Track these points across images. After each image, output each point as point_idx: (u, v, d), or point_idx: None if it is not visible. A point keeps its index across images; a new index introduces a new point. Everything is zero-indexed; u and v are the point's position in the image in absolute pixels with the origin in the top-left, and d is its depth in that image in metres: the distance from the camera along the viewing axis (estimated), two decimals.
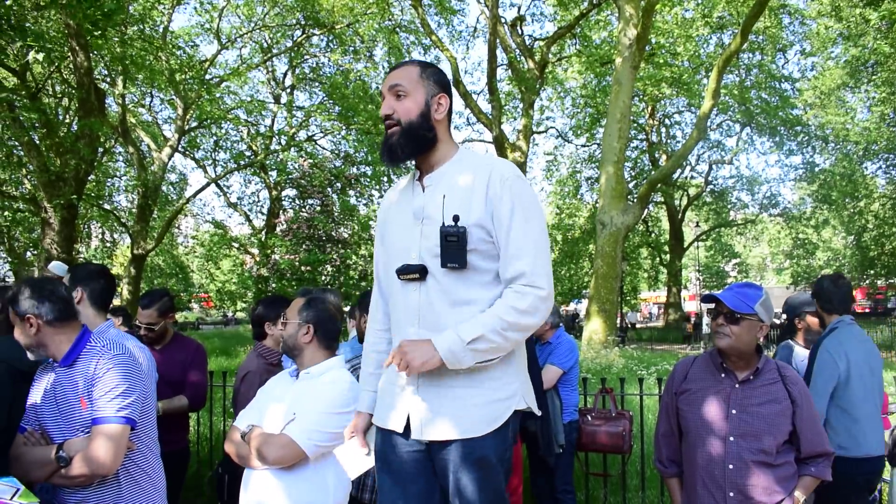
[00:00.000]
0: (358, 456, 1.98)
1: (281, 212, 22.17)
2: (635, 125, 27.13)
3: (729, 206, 32.27)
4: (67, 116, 17.53)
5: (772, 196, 31.20)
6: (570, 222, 30.01)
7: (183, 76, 16.28)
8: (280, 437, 2.12)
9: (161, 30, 16.92)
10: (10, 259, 24.05)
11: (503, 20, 21.18)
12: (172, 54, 16.26)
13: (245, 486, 2.22)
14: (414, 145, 1.84)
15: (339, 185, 18.56)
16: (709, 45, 24.70)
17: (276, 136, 22.66)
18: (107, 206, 21.33)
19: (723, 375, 2.34)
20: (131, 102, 19.82)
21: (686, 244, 32.84)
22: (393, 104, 1.85)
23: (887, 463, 3.20)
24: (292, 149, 20.07)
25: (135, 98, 20.38)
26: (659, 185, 22.12)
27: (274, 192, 23.48)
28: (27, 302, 2.11)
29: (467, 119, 25.35)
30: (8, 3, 8.53)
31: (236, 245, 24.52)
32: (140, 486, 2.20)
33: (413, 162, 1.93)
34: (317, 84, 23.63)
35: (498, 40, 20.01)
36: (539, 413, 1.94)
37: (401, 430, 1.82)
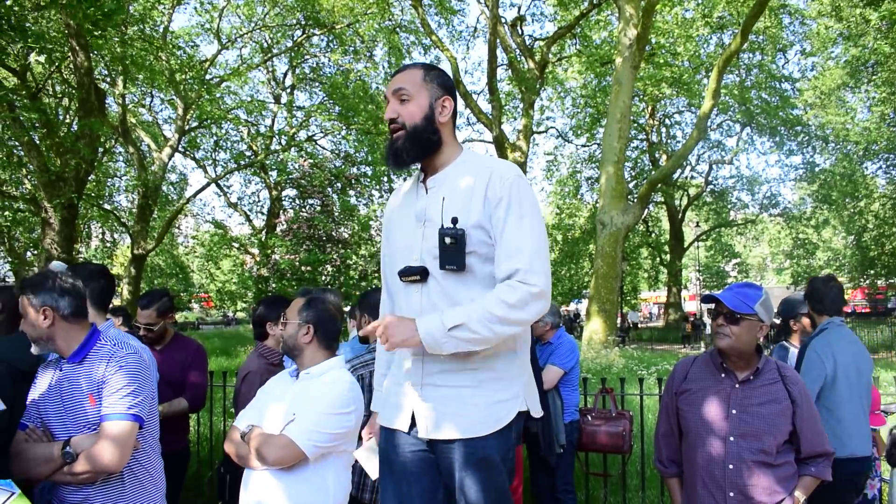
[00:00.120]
0: (377, 456, 1.99)
1: (281, 212, 22.16)
2: (635, 125, 27.13)
3: (729, 206, 32.27)
4: (67, 116, 17.54)
5: (772, 196, 31.23)
6: (571, 222, 30.02)
7: (183, 76, 16.28)
8: (279, 438, 2.12)
9: (161, 30, 16.93)
10: (10, 259, 24.04)
11: (503, 20, 21.18)
12: (172, 54, 16.27)
13: (245, 485, 2.22)
14: (419, 149, 1.84)
15: (339, 185, 18.55)
16: (709, 45, 24.72)
17: (277, 136, 22.66)
18: (107, 206, 21.34)
19: (723, 375, 2.34)
20: (131, 102, 19.83)
21: (686, 244, 32.84)
22: (397, 108, 1.85)
23: (887, 463, 3.21)
24: (292, 149, 20.07)
25: (135, 98, 20.39)
26: (659, 185, 22.12)
27: (274, 192, 23.47)
28: (46, 294, 2.10)
29: (467, 119, 25.37)
30: (8, 3, 8.53)
31: (236, 245, 24.51)
32: (143, 486, 2.20)
33: (418, 163, 1.94)
34: (317, 84, 23.64)
35: (498, 40, 20.01)
36: (542, 414, 1.94)
37: (406, 430, 1.82)
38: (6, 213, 18.33)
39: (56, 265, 2.31)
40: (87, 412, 2.08)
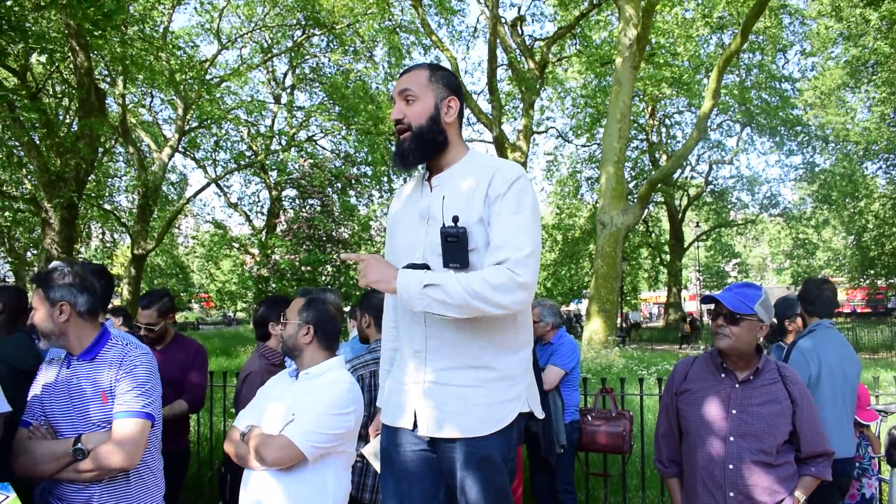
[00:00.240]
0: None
1: (281, 212, 22.15)
2: (635, 125, 27.12)
3: (729, 207, 32.26)
4: (67, 116, 17.54)
5: (772, 196, 31.23)
6: (571, 222, 30.00)
7: (183, 76, 16.28)
8: (278, 439, 2.12)
9: (161, 30, 16.92)
10: (10, 259, 24.05)
11: (503, 20, 21.18)
12: (172, 54, 16.26)
13: (244, 485, 2.22)
14: (425, 149, 1.85)
15: (339, 185, 18.55)
16: (709, 45, 24.71)
17: (277, 137, 22.66)
18: (107, 206, 21.33)
19: (723, 375, 2.34)
20: (131, 102, 19.83)
21: (686, 244, 32.84)
22: (403, 109, 1.86)
23: (886, 463, 3.21)
24: (292, 149, 20.08)
25: (135, 98, 20.40)
26: (659, 185, 22.12)
27: (274, 193, 23.47)
28: (65, 289, 2.11)
29: (468, 119, 25.34)
30: (8, 3, 8.53)
31: (236, 245, 24.50)
32: (146, 485, 2.21)
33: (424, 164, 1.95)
34: (317, 84, 23.64)
35: (498, 40, 20.02)
36: (542, 416, 1.95)
37: (409, 427, 1.83)
38: (6, 213, 18.34)
39: (57, 266, 2.31)
40: (99, 410, 2.08)
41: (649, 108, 28.14)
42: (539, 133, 26.44)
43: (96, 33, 9.63)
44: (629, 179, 27.40)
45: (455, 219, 1.76)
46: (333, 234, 17.37)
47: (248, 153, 22.39)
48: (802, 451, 2.26)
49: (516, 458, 1.95)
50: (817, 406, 2.83)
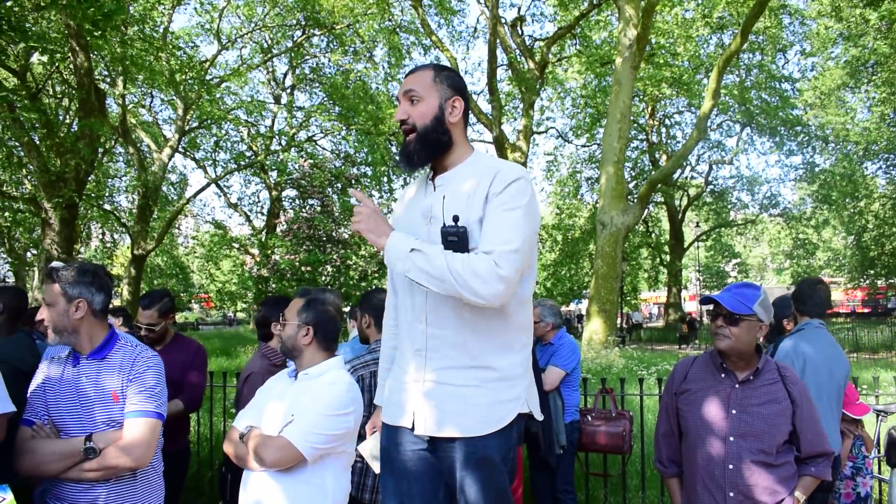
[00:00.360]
0: (379, 452, 1.99)
1: (281, 212, 22.16)
2: (635, 125, 27.12)
3: (729, 207, 32.26)
4: (67, 117, 17.55)
5: (772, 196, 31.23)
6: (571, 222, 30.00)
7: (183, 76, 16.28)
8: (277, 440, 2.11)
9: (161, 30, 16.93)
10: (10, 259, 24.05)
11: (503, 20, 21.19)
12: (172, 55, 16.26)
13: (244, 485, 2.22)
14: (429, 149, 1.85)
15: (339, 185, 18.54)
16: (709, 45, 24.72)
17: (277, 137, 22.67)
18: (107, 207, 21.33)
19: (723, 376, 2.34)
20: (131, 103, 19.84)
21: (686, 244, 32.84)
22: (407, 109, 1.86)
23: (886, 464, 3.21)
24: (292, 149, 20.08)
25: (135, 98, 20.40)
26: (659, 185, 22.12)
27: (274, 193, 23.47)
28: (83, 286, 2.13)
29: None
30: (8, 3, 8.53)
31: (236, 245, 24.51)
32: (151, 485, 2.23)
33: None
34: (317, 84, 23.65)
35: (498, 41, 20.02)
36: (541, 418, 1.95)
37: (408, 426, 1.83)
38: (6, 213, 18.34)
39: (56, 266, 2.31)
40: (108, 409, 2.09)
41: (649, 109, 28.14)
42: (539, 133, 26.45)
43: (96, 33, 9.61)
44: (629, 179, 27.40)
45: (455, 218, 1.77)
46: (333, 234, 17.36)
47: (248, 153, 22.41)
48: (802, 451, 2.26)
49: (516, 458, 1.95)
50: None
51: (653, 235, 33.60)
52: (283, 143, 21.75)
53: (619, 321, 26.28)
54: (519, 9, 23.20)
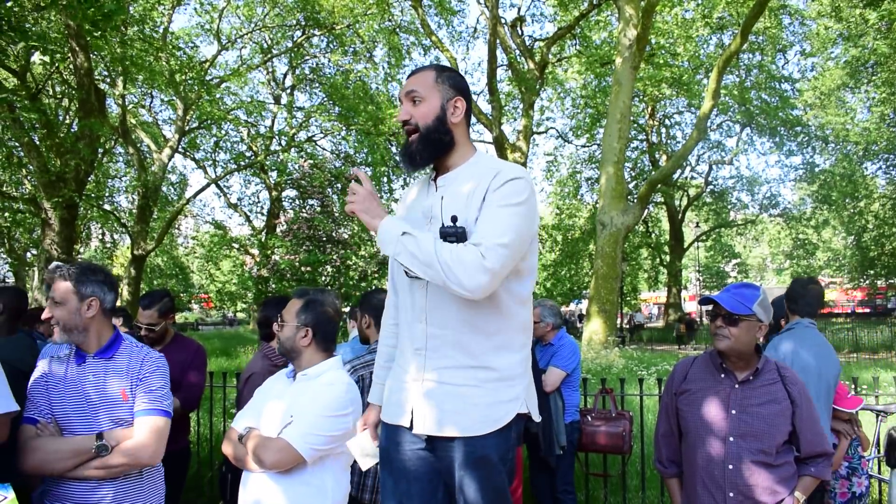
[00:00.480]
0: (369, 448, 1.99)
1: (281, 212, 22.17)
2: (635, 125, 27.12)
3: (729, 207, 32.26)
4: (67, 117, 17.55)
5: (772, 196, 31.24)
6: (570, 223, 30.00)
7: (183, 77, 16.28)
8: (277, 441, 2.11)
9: (161, 30, 16.93)
10: (10, 260, 24.05)
11: (503, 21, 21.19)
12: (172, 55, 16.26)
13: (243, 486, 2.22)
14: (431, 150, 1.86)
15: (339, 185, 18.54)
16: (709, 45, 24.72)
17: (276, 137, 22.66)
18: (107, 207, 21.32)
19: (722, 376, 2.34)
20: (131, 103, 19.83)
21: (686, 244, 32.84)
22: (409, 109, 1.87)
23: (886, 464, 3.21)
24: (292, 149, 20.06)
25: (135, 99, 20.40)
26: (659, 185, 22.12)
27: (274, 193, 23.47)
28: (96, 284, 2.16)
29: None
30: (8, 3, 8.53)
31: (236, 246, 24.51)
32: (155, 484, 2.26)
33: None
34: (317, 85, 23.64)
35: (498, 41, 20.02)
36: (539, 419, 1.95)
37: (407, 425, 1.83)
38: (6, 213, 18.34)
39: (87, 262, 2.32)
40: (116, 408, 2.11)
41: (649, 109, 28.14)
42: (539, 133, 26.45)
43: (96, 34, 9.62)
44: (629, 180, 27.40)
45: (454, 218, 1.77)
46: (333, 234, 17.36)
47: (247, 154, 22.40)
48: (802, 451, 2.26)
49: (515, 459, 1.95)
50: None
51: (653, 236, 33.61)
52: (283, 143, 21.75)
53: (621, 321, 26.38)
54: (519, 9, 23.22)
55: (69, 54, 11.71)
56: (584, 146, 29.56)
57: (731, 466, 2.23)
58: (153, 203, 18.04)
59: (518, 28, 22.18)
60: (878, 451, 3.96)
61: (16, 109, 11.65)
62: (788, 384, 2.28)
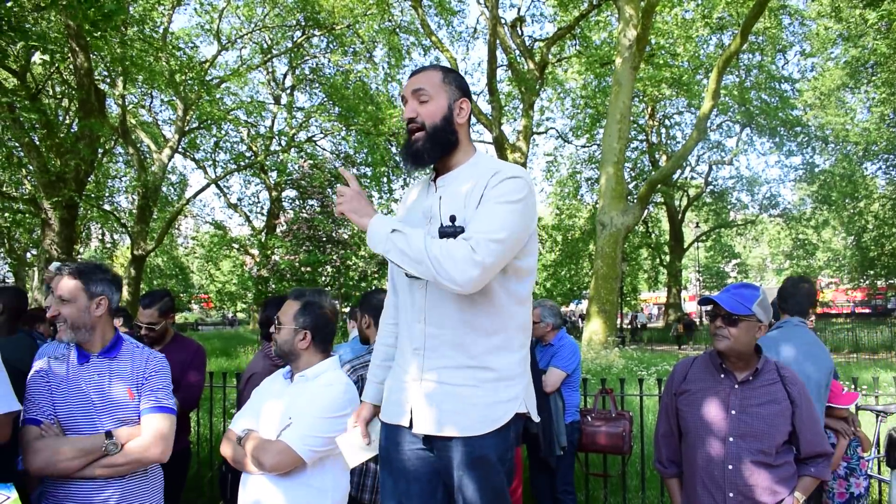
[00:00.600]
0: (358, 446, 1.98)
1: (281, 212, 22.18)
2: (635, 126, 27.13)
3: (729, 207, 32.28)
4: (67, 117, 17.55)
5: (772, 196, 31.26)
6: (570, 223, 30.01)
7: (183, 77, 16.28)
8: (276, 444, 2.11)
9: (161, 31, 16.93)
10: (9, 260, 24.05)
11: (503, 21, 21.19)
12: (172, 55, 16.27)
13: (243, 486, 2.22)
14: (439, 149, 1.86)
15: (339, 185, 18.55)
16: (709, 45, 24.73)
17: (276, 137, 22.67)
18: (107, 207, 21.32)
19: (722, 376, 2.34)
20: (131, 103, 19.83)
21: (686, 245, 32.85)
22: (416, 108, 1.86)
23: (886, 465, 3.21)
24: (292, 150, 20.08)
25: (135, 99, 20.40)
26: (659, 185, 22.12)
27: (274, 193, 23.48)
28: (105, 283, 2.19)
29: (468, 116, 25.28)
30: (8, 3, 8.53)
31: (236, 246, 24.52)
32: (156, 482, 2.28)
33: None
34: (317, 85, 23.65)
35: (498, 41, 20.02)
36: (538, 419, 1.95)
37: (407, 425, 1.83)
38: (6, 213, 18.35)
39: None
40: (122, 406, 2.12)
41: (649, 109, 28.16)
42: (539, 134, 26.46)
43: (96, 34, 9.62)
44: (629, 180, 27.41)
45: (452, 218, 1.77)
46: (333, 234, 17.37)
47: (247, 154, 22.41)
48: (802, 451, 2.26)
49: (514, 459, 1.95)
50: None
51: (653, 236, 33.62)
52: (283, 143, 21.76)
53: (621, 321, 26.38)
54: (519, 9, 23.22)
55: (69, 54, 11.71)
56: (583, 146, 29.60)
57: (730, 467, 2.23)
58: (153, 203, 18.05)
59: (518, 28, 22.18)
60: (878, 452, 3.96)
61: (16, 109, 11.65)
62: (788, 384, 2.28)
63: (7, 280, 26.51)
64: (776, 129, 26.44)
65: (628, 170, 28.39)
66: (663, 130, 30.21)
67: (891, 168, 28.92)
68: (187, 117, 18.05)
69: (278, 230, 19.39)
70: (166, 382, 2.24)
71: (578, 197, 30.91)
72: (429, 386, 1.80)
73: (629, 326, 30.75)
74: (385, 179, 21.82)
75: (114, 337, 2.22)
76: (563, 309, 34.47)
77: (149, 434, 2.13)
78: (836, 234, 35.99)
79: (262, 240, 20.54)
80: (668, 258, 32.35)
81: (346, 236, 17.53)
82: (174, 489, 3.30)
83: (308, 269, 16.41)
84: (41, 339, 3.37)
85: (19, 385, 2.21)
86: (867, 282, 35.85)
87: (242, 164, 21.64)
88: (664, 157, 28.21)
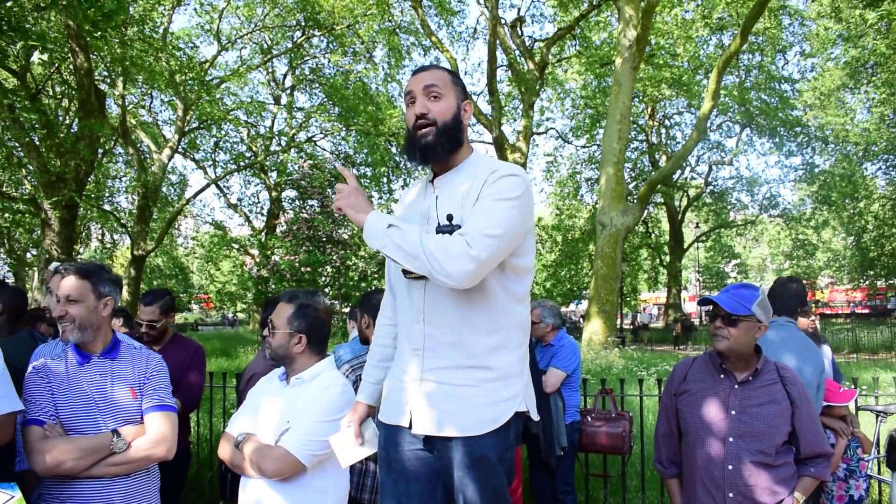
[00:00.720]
0: (351, 445, 1.98)
1: (281, 213, 22.18)
2: (635, 126, 27.14)
3: (729, 207, 32.29)
4: (67, 117, 17.55)
5: (771, 197, 31.28)
6: (570, 223, 30.03)
7: (183, 77, 16.29)
8: (276, 450, 2.10)
9: (161, 31, 16.93)
10: (9, 260, 24.05)
11: (503, 21, 21.20)
12: (172, 55, 16.27)
13: (243, 487, 2.22)
14: (448, 146, 1.86)
15: (338, 183, 18.55)
16: (708, 46, 24.74)
17: (276, 137, 22.68)
18: (106, 207, 21.32)
19: (722, 376, 2.34)
20: (131, 103, 19.83)
21: (686, 245, 32.85)
22: (427, 104, 1.85)
23: (887, 467, 3.20)
24: (292, 150, 20.09)
25: (135, 99, 20.40)
26: (659, 185, 22.13)
27: (274, 193, 23.49)
28: (111, 284, 2.22)
29: (470, 119, 25.30)
30: (8, 3, 8.53)
31: (236, 246, 24.52)
32: (155, 481, 2.29)
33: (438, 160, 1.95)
34: (317, 85, 23.66)
35: (498, 41, 20.03)
36: (537, 418, 1.95)
37: (406, 425, 1.83)
38: (6, 213, 18.34)
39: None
40: (125, 406, 2.14)
41: (649, 109, 28.16)
42: (539, 134, 26.47)
43: (96, 34, 9.62)
44: (629, 180, 27.42)
45: (449, 217, 1.78)
46: (333, 234, 17.38)
47: (247, 154, 22.41)
48: (802, 451, 2.26)
49: (514, 458, 1.95)
50: None
51: (652, 236, 33.63)
52: (283, 143, 21.76)
53: (621, 321, 26.38)
54: (519, 9, 23.22)
55: (69, 54, 11.71)
56: (583, 147, 29.61)
57: (730, 467, 2.24)
58: (153, 203, 18.05)
59: (518, 28, 22.18)
60: (878, 452, 3.96)
61: (16, 109, 11.65)
62: (788, 384, 2.28)
63: (7, 280, 26.48)
64: (776, 130, 26.45)
65: (628, 170, 28.40)
66: (663, 131, 30.22)
67: (891, 168, 28.93)
68: (187, 117, 18.06)
69: (278, 230, 19.39)
70: (167, 382, 2.28)
71: (578, 197, 30.93)
72: (428, 386, 1.80)
73: (631, 326, 30.74)
74: (385, 179, 21.84)
75: (114, 337, 2.25)
76: (563, 309, 34.46)
77: (154, 432, 2.16)
78: (836, 235, 36.01)
79: (262, 240, 20.54)
80: (667, 258, 32.36)
81: (345, 236, 17.54)
82: (174, 489, 3.30)
83: (308, 269, 16.42)
84: (42, 339, 3.37)
85: (20, 385, 2.22)
86: (867, 282, 35.85)
87: (242, 164, 21.64)
88: (664, 158, 28.21)
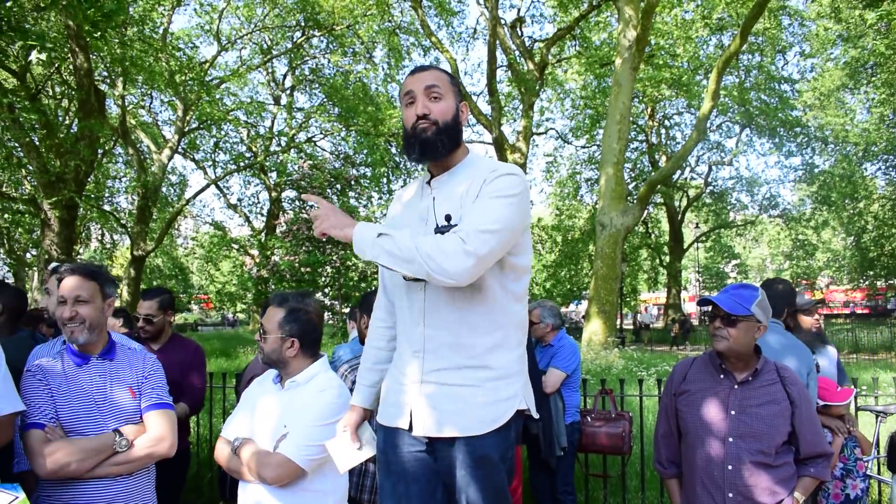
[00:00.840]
0: (348, 450, 1.98)
1: (281, 213, 22.18)
2: (635, 126, 27.14)
3: (728, 208, 32.29)
4: (67, 118, 17.54)
5: (771, 197, 31.27)
6: (570, 223, 30.02)
7: (183, 77, 16.29)
8: (275, 457, 2.10)
9: (161, 31, 16.94)
10: (9, 260, 24.05)
11: (503, 21, 21.20)
12: (172, 56, 16.27)
13: (242, 489, 2.22)
14: (449, 144, 1.87)
15: (338, 186, 18.54)
16: (708, 46, 24.74)
17: (276, 138, 22.68)
18: (106, 208, 21.32)
19: (722, 376, 2.34)
20: (131, 104, 19.83)
21: (686, 245, 32.85)
22: (428, 104, 1.85)
23: (887, 468, 3.20)
24: (292, 150, 20.10)
25: (135, 99, 20.40)
26: (659, 186, 22.12)
27: (273, 194, 23.49)
28: (113, 286, 2.25)
29: (467, 120, 25.28)
30: (8, 3, 8.53)
31: (236, 246, 24.52)
32: (153, 480, 2.30)
33: (423, 166, 1.96)
34: (317, 85, 23.66)
35: (498, 42, 20.02)
36: (537, 417, 1.95)
37: (406, 427, 1.83)
38: (6, 214, 18.34)
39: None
40: (124, 406, 2.15)
41: (649, 110, 28.16)
42: (539, 134, 26.47)
43: (96, 34, 9.61)
44: (629, 181, 27.42)
45: (447, 217, 1.78)
46: None
47: (247, 154, 22.41)
48: (801, 451, 2.26)
49: (514, 457, 1.95)
50: None
51: (652, 236, 33.63)
52: (283, 144, 21.77)
53: (621, 321, 26.38)
54: (518, 10, 23.21)
55: (69, 55, 11.71)
56: (583, 147, 29.61)
57: (730, 467, 2.24)
58: (153, 204, 18.05)
59: (518, 29, 22.18)
60: (878, 452, 3.96)
61: (16, 110, 11.64)
62: (787, 385, 2.28)
63: (7, 279, 26.51)
64: (776, 130, 26.45)
65: (628, 170, 28.41)
66: (663, 131, 30.23)
67: (890, 168, 28.94)
68: (187, 118, 18.06)
69: (278, 231, 19.39)
70: (163, 381, 2.30)
71: (578, 197, 30.93)
72: (429, 388, 1.80)
73: (631, 326, 30.74)
74: (385, 179, 21.83)
75: (110, 339, 2.27)
76: (563, 309, 34.46)
77: (154, 430, 2.17)
78: (835, 235, 36.01)
79: (262, 240, 20.55)
80: (667, 259, 32.36)
81: None
82: (174, 489, 3.30)
83: (308, 269, 16.42)
84: (43, 339, 3.37)
85: (20, 386, 2.22)
86: (867, 282, 35.85)
87: (242, 164, 21.65)
88: (664, 158, 28.21)
